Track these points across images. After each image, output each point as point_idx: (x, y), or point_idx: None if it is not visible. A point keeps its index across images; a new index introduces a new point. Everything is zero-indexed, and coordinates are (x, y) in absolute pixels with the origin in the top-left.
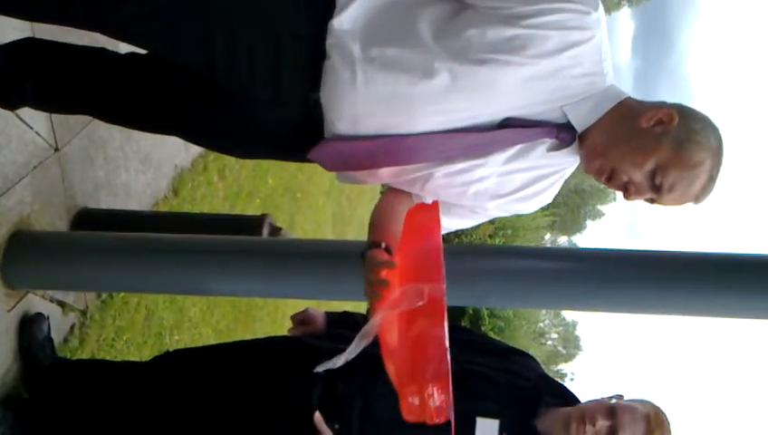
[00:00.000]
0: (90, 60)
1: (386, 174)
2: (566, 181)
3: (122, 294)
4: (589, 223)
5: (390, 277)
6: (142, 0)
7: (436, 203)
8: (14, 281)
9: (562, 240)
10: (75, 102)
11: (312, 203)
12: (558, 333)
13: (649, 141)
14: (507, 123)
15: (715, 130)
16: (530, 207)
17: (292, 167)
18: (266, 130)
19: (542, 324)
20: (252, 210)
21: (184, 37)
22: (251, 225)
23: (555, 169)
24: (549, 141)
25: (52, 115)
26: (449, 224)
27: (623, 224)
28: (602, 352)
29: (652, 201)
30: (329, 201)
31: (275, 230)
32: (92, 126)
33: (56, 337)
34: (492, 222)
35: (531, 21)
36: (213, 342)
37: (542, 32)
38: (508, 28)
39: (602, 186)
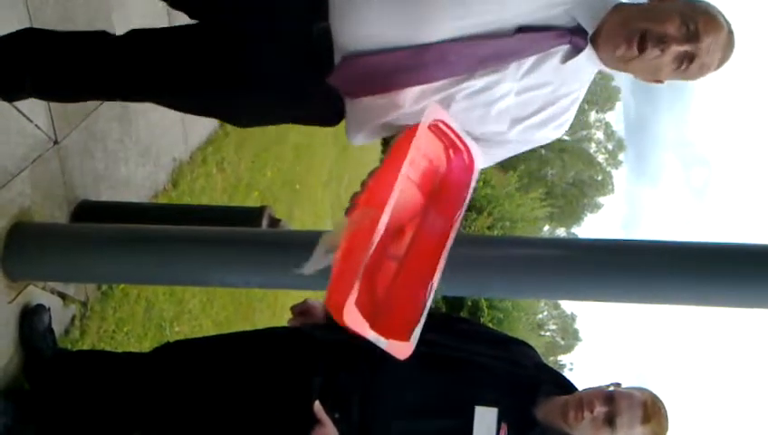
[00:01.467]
0: (90, 42)
1: (407, 100)
2: (565, 173)
3: (122, 286)
4: (587, 215)
5: (360, 200)
6: None
7: (416, 126)
8: (15, 273)
9: (560, 232)
10: (78, 86)
11: (311, 195)
12: (557, 325)
13: (664, 7)
14: (521, 30)
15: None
16: (549, 133)
17: (290, 157)
18: (273, 68)
19: (540, 316)
20: (250, 202)
21: None
22: (250, 216)
23: (570, 88)
24: (562, 49)
25: (52, 108)
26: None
27: (620, 216)
28: (601, 344)
29: (691, 59)
30: (327, 193)
31: (274, 222)
32: (92, 119)
33: (57, 329)
34: (490, 213)
35: None
36: (213, 333)
37: None
38: None
39: (599, 177)
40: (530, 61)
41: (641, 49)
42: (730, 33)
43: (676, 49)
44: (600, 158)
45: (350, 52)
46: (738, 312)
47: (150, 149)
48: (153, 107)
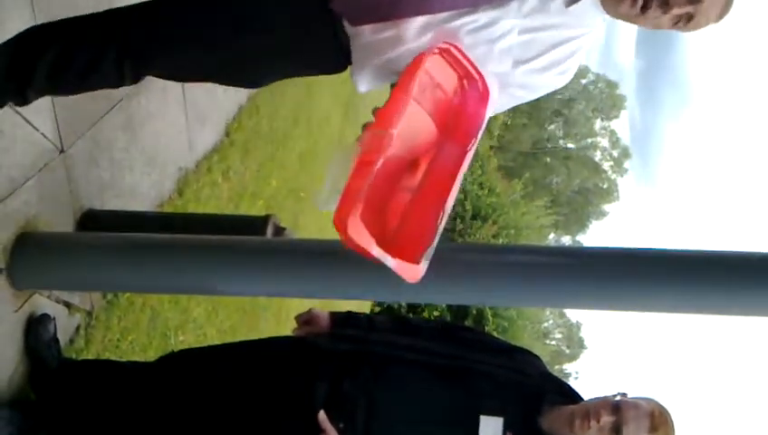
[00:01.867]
0: (101, 19)
1: (411, 32)
2: (570, 181)
3: (127, 295)
4: (592, 223)
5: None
6: None
7: (422, 54)
8: (21, 282)
9: (566, 240)
10: (89, 64)
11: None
12: (562, 334)
13: None
14: None
15: None
16: (552, 80)
17: (295, 166)
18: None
19: (546, 325)
20: (256, 211)
21: None
22: (255, 225)
23: (574, 33)
24: None
25: (58, 117)
26: None
27: (626, 224)
28: (607, 353)
29: (688, 18)
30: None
31: (279, 230)
32: (98, 127)
33: (62, 338)
34: (495, 222)
35: None
36: (217, 342)
37: None
38: None
39: (605, 185)
40: (533, 1)
41: (644, 8)
42: None
43: (678, 10)
44: (606, 165)
45: None
46: (746, 320)
47: (156, 157)
48: (159, 115)
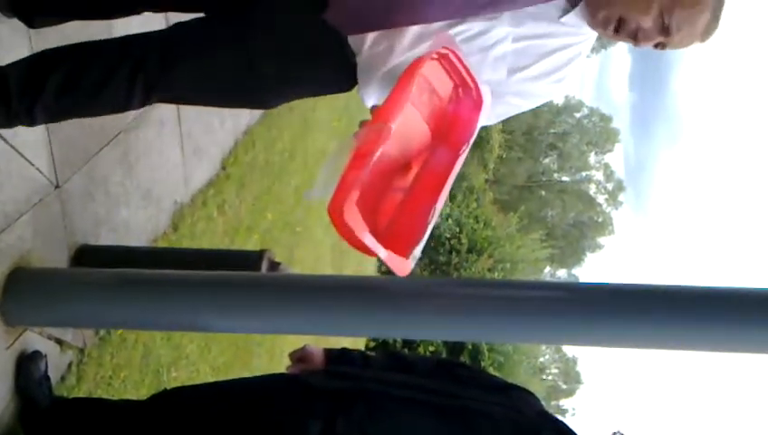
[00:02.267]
0: (117, 40)
1: (405, 42)
2: (565, 214)
3: (120, 332)
4: (588, 256)
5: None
6: None
7: (421, 58)
8: (13, 318)
9: (562, 273)
10: (104, 83)
11: (311, 236)
12: (558, 369)
13: None
14: None
15: None
16: (548, 88)
17: (291, 200)
18: (280, 18)
19: (542, 359)
20: (251, 245)
21: None
22: (250, 260)
23: (568, 41)
24: (557, 4)
25: (54, 152)
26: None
27: (621, 257)
28: (604, 388)
29: (662, 46)
30: (328, 235)
31: (274, 265)
32: (93, 162)
33: (54, 375)
34: (490, 255)
35: None
36: (210, 379)
37: None
38: None
39: (600, 218)
40: (525, 11)
41: (616, 32)
42: (714, 17)
43: (646, 43)
44: (600, 198)
45: None
46: (743, 357)
47: (152, 191)
48: (156, 149)
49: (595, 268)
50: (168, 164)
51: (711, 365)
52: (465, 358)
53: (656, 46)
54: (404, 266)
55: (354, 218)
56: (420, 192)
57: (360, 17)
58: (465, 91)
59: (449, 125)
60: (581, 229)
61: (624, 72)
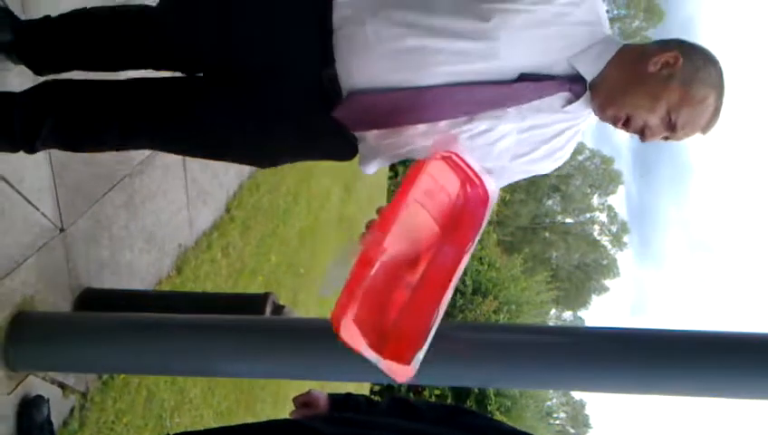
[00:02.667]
0: (110, 86)
1: (412, 139)
2: (569, 256)
3: (123, 376)
4: (594, 298)
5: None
6: None
7: (425, 159)
8: (16, 363)
9: (567, 315)
10: (96, 130)
11: (315, 279)
12: (566, 413)
13: (659, 86)
14: (522, 78)
15: (715, 63)
16: (550, 165)
17: (294, 242)
18: (286, 105)
19: (549, 403)
20: (255, 287)
21: (203, 26)
22: (254, 303)
23: (571, 123)
24: (563, 95)
25: (59, 196)
26: None
27: (627, 300)
28: (612, 432)
29: (666, 139)
30: None
31: (278, 308)
32: (98, 206)
33: (56, 420)
34: (495, 297)
35: None
36: (214, 424)
37: None
38: None
39: (605, 260)
40: (531, 104)
41: (624, 126)
42: (716, 110)
43: (652, 138)
44: (605, 240)
45: (354, 89)
46: (753, 404)
47: (156, 235)
48: (161, 193)
49: (601, 311)
50: (173, 208)
51: (724, 411)
52: (471, 402)
53: (661, 139)
54: (405, 373)
55: (351, 335)
56: (426, 290)
57: (366, 118)
58: (472, 187)
59: (456, 220)
60: (586, 271)
61: None
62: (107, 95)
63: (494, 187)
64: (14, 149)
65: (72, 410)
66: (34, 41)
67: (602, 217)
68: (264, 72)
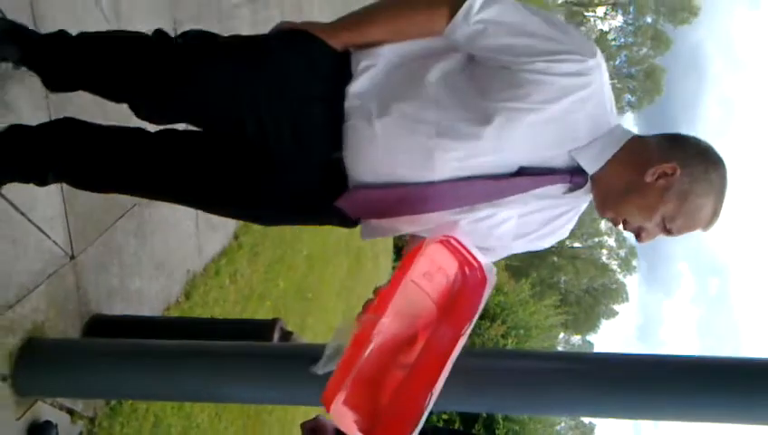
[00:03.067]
0: (127, 138)
1: (411, 224)
2: (578, 280)
3: (131, 401)
4: (602, 322)
5: (370, 307)
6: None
7: (422, 242)
8: (25, 389)
9: (576, 339)
10: (107, 181)
11: (323, 304)
12: None
13: (655, 197)
14: (522, 172)
15: (716, 166)
16: (548, 243)
17: (303, 268)
18: (292, 189)
19: (558, 427)
20: (263, 313)
21: (213, 107)
22: (262, 329)
23: (571, 206)
24: (563, 186)
25: (70, 224)
26: None
27: (635, 325)
28: None
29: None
30: (339, 302)
31: (286, 335)
32: (108, 234)
33: None
34: (503, 322)
35: (533, 67)
36: None
37: (544, 77)
38: (512, 77)
39: (614, 286)
40: (532, 193)
41: (623, 227)
42: (714, 213)
43: (649, 240)
44: (613, 264)
45: (359, 182)
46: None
47: (165, 262)
48: (170, 221)
49: (609, 335)
50: (182, 235)
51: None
52: (479, 427)
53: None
54: None
55: (341, 418)
56: (421, 371)
57: (369, 210)
58: (470, 270)
59: (454, 301)
60: (595, 296)
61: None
62: (126, 149)
63: (492, 271)
64: (26, 181)
65: None
66: (48, 56)
67: (610, 241)
68: (274, 148)
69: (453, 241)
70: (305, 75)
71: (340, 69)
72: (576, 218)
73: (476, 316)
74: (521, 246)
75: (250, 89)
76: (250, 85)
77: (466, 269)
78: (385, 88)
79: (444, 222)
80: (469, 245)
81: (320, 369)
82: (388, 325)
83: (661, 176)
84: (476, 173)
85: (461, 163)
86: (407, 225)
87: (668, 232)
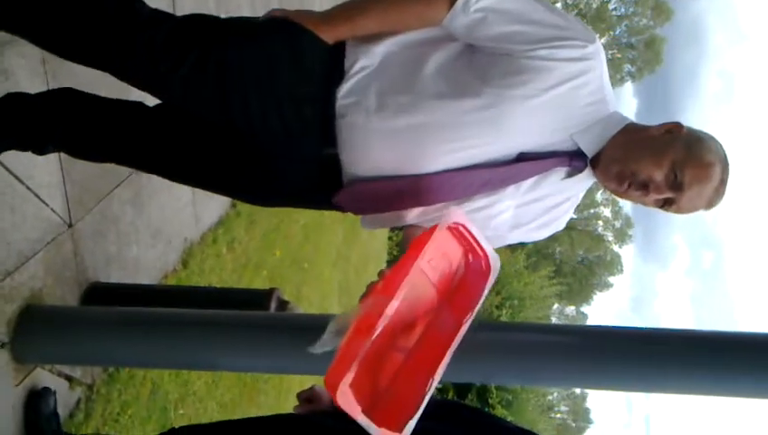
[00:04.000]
0: (125, 113)
1: (410, 214)
2: (573, 251)
3: (128, 369)
4: (597, 293)
5: (375, 289)
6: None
7: (434, 227)
8: (24, 355)
9: (570, 310)
10: (106, 153)
11: (319, 274)
12: (567, 406)
13: (663, 144)
14: (522, 157)
15: (718, 142)
16: (545, 233)
17: (299, 237)
18: (286, 183)
19: (550, 397)
20: (259, 282)
21: (207, 101)
22: (259, 298)
23: (568, 195)
24: (562, 169)
25: (68, 192)
26: None
27: (629, 297)
28: (614, 426)
29: (670, 203)
30: (335, 272)
31: (283, 304)
32: (106, 202)
33: (62, 411)
34: (498, 292)
35: (535, 54)
36: (217, 416)
37: (546, 63)
38: (513, 64)
39: (608, 257)
40: (531, 181)
41: (628, 186)
42: (722, 182)
43: (657, 196)
44: (609, 236)
45: (354, 177)
46: (753, 403)
47: (162, 230)
48: (167, 189)
49: (603, 307)
50: (179, 203)
51: (725, 409)
52: (472, 396)
53: (663, 205)
54: None
55: (347, 401)
56: (421, 358)
57: (366, 204)
58: (475, 258)
59: (456, 289)
60: (590, 267)
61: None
62: (124, 124)
63: (497, 261)
64: (24, 149)
65: (78, 402)
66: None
67: (606, 211)
68: (263, 143)
69: (462, 228)
70: (292, 71)
71: (331, 66)
72: (572, 210)
73: (479, 306)
74: (517, 237)
75: (236, 80)
76: (237, 77)
77: (470, 257)
78: (381, 81)
79: (449, 211)
80: (477, 233)
81: (317, 349)
82: (395, 310)
83: (667, 131)
84: (476, 162)
85: (460, 153)
86: (406, 215)
87: (678, 188)
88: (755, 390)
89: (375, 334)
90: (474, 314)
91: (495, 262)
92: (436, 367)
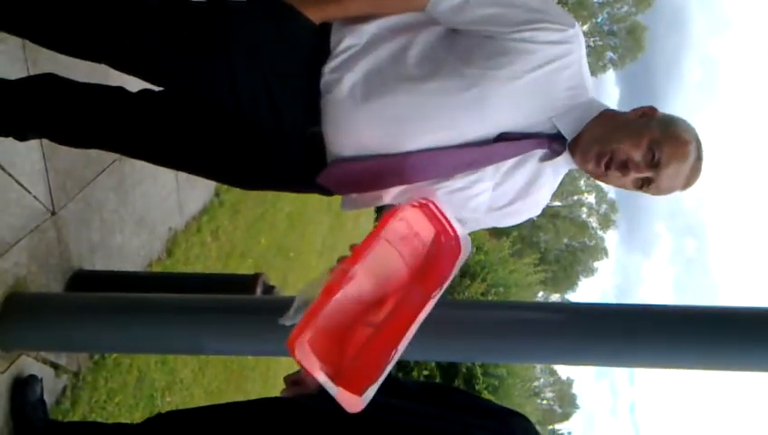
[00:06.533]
0: (107, 98)
1: (389, 195)
2: (558, 239)
3: (114, 356)
4: (581, 280)
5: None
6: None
7: (400, 205)
8: (9, 343)
9: (555, 298)
10: (88, 139)
11: (305, 262)
12: (553, 392)
13: (640, 126)
14: (501, 137)
15: (690, 124)
16: (521, 218)
17: (284, 226)
18: (271, 164)
19: (536, 383)
20: (244, 270)
21: (195, 77)
22: (245, 284)
23: (545, 180)
24: (541, 152)
25: (51, 180)
26: None
27: (612, 285)
28: (599, 412)
29: (648, 182)
30: (321, 260)
31: (269, 289)
32: (89, 189)
33: (48, 399)
34: (483, 280)
35: (517, 36)
36: (204, 403)
37: (528, 45)
38: (495, 46)
39: (592, 242)
40: (510, 162)
41: (607, 168)
42: (698, 159)
43: (636, 175)
44: (593, 223)
45: (338, 156)
46: (739, 375)
47: (146, 218)
48: (150, 177)
49: (588, 294)
50: (163, 191)
51: (714, 386)
52: (459, 381)
53: (641, 186)
54: (354, 403)
55: (305, 356)
56: (388, 330)
57: (349, 183)
58: (446, 238)
59: (427, 267)
60: (575, 253)
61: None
62: (106, 109)
63: (468, 242)
64: (4, 135)
65: (64, 390)
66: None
67: (590, 198)
68: (249, 120)
69: (432, 206)
70: (279, 48)
71: (318, 44)
72: (549, 196)
73: (447, 282)
74: (493, 220)
75: (225, 55)
76: (225, 52)
77: (443, 238)
78: (367, 60)
79: (419, 189)
80: (447, 212)
81: (288, 320)
82: (360, 279)
83: (643, 115)
84: (458, 141)
85: (442, 133)
86: (387, 195)
87: (656, 165)
88: (736, 362)
89: (337, 296)
90: (442, 289)
91: (466, 242)
92: (401, 339)
